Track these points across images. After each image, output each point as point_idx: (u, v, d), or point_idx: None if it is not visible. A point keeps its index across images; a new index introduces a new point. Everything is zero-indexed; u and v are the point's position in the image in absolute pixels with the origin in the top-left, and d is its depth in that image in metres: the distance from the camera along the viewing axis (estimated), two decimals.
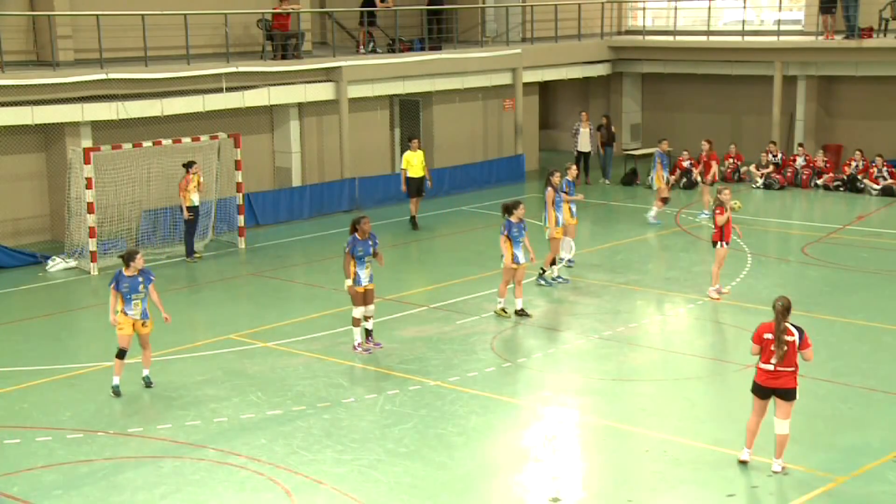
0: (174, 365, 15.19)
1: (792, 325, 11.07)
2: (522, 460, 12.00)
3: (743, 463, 11.44)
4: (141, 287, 13.80)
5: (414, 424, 12.92)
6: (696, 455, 11.98)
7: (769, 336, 11.06)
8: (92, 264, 20.66)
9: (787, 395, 11.08)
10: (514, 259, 16.79)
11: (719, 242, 17.80)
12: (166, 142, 21.70)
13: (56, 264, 21.01)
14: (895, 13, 28.88)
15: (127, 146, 21.18)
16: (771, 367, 11.04)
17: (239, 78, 24.03)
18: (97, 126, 22.53)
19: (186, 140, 22.01)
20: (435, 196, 27.22)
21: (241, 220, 23.03)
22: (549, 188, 18.89)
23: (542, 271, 19.01)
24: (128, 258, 13.85)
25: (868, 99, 30.55)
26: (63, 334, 17.15)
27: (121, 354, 13.85)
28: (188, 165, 21.39)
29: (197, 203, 21.52)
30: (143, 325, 13.87)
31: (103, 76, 21.68)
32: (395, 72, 27.35)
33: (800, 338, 11.04)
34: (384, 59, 27.37)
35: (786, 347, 10.94)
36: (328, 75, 26.06)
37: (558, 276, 19.21)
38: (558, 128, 36.39)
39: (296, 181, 26.78)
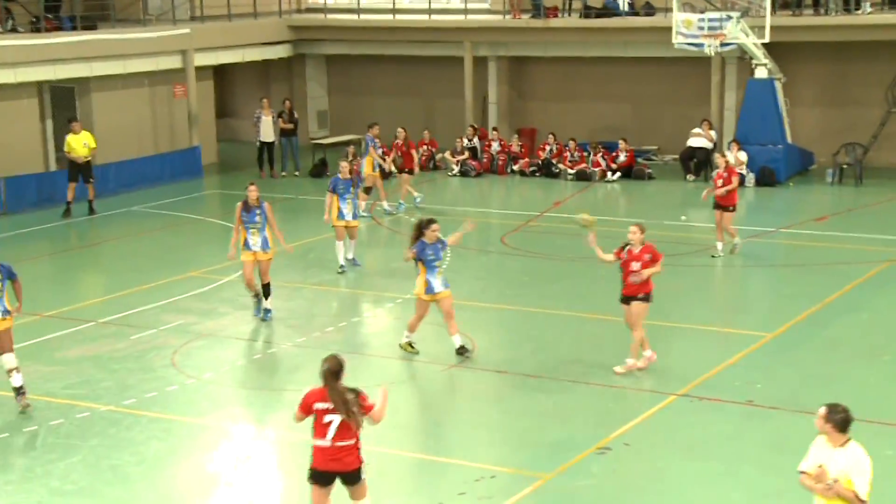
0: None
1: (349, 388, 9.70)
2: (212, 486, 11.78)
3: None
4: None
5: (83, 457, 12.37)
6: (402, 464, 12.22)
7: (322, 406, 9.56)
8: None
9: (353, 477, 9.66)
10: (428, 289, 15.07)
11: None
12: None
13: None
14: None
15: None
16: (328, 444, 9.51)
17: None
18: None
19: None
20: (101, 195, 26.17)
21: None
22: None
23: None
24: None
25: (558, 80, 32.36)
26: None
27: None
28: None
29: None
30: None
31: None
32: (43, 54, 26.11)
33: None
34: (28, 39, 26.04)
35: (354, 413, 9.51)
36: None
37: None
38: (238, 116, 36.00)
39: None
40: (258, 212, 16.68)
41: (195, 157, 30.41)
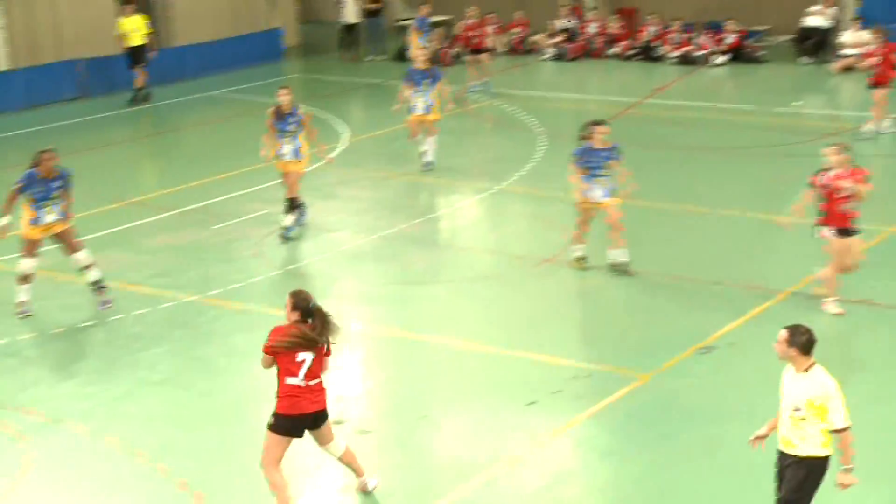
0: None
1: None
2: None
3: None
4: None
5: (170, 347, 12.68)
6: (493, 362, 12.31)
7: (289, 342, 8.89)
8: None
9: (322, 418, 9.16)
10: (589, 194, 14.27)
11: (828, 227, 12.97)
12: None
13: None
14: None
15: None
16: (302, 383, 8.91)
17: None
18: None
19: None
20: (178, 80, 26.40)
21: None
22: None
23: None
24: None
25: None
26: None
27: None
28: None
29: None
30: None
31: None
32: None
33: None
34: None
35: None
36: None
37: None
38: None
39: (3, 64, 25.33)
40: (291, 119, 15.95)
41: (276, 39, 30.40)
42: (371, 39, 30.39)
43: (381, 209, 17.72)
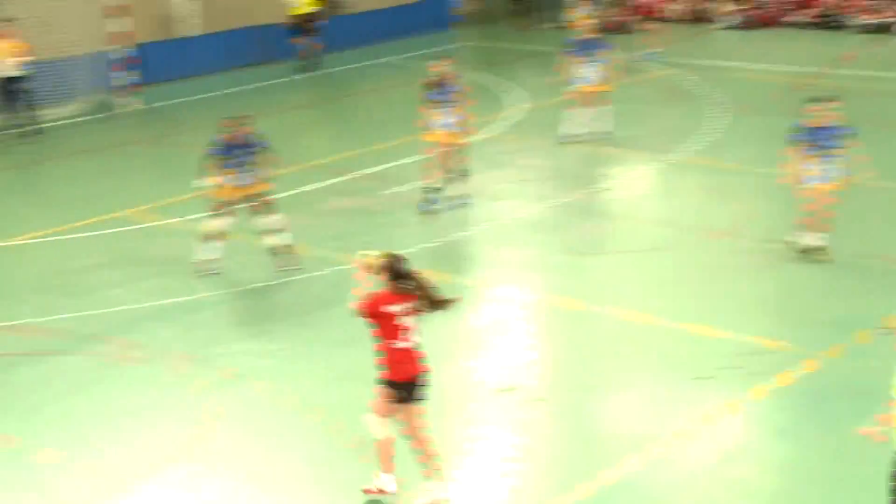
0: (61, 247, 14.97)
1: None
2: (472, 347, 12.11)
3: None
4: None
5: (347, 309, 12.88)
6: (662, 334, 12.19)
7: (398, 308, 8.72)
8: None
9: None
10: (811, 178, 13.65)
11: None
12: None
13: None
14: None
15: None
16: (410, 345, 8.82)
17: None
18: None
19: None
20: (354, 47, 26.80)
21: (129, 75, 22.47)
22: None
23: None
24: None
25: None
26: None
27: None
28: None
29: (7, 73, 20.09)
30: None
31: None
32: None
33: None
34: None
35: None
36: None
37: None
38: None
39: (195, 30, 26.11)
40: (450, 90, 15.78)
41: (448, 7, 30.53)
42: (544, 7, 30.24)
43: (552, 178, 17.69)
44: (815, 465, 9.54)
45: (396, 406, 8.94)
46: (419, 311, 8.81)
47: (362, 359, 11.59)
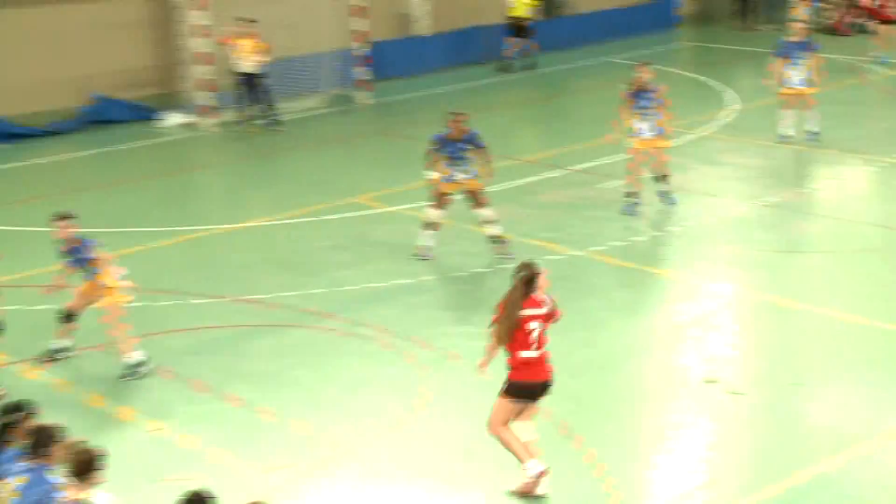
0: (297, 229, 15.55)
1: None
2: (674, 338, 12.00)
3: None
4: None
5: (556, 298, 12.95)
6: (872, 335, 11.77)
7: (529, 313, 8.83)
8: (209, 120, 21.13)
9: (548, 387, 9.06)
10: None
11: None
12: None
13: (170, 119, 21.57)
14: None
15: None
16: (534, 354, 8.85)
17: None
18: None
19: None
20: (572, 47, 26.76)
21: (364, 72, 23.06)
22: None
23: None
24: None
25: None
26: (182, 195, 17.67)
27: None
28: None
29: (248, 70, 20.65)
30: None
31: None
32: None
33: (551, 306, 9.07)
34: None
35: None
36: None
37: None
38: None
39: (425, 29, 26.59)
40: (651, 95, 15.37)
41: (670, 8, 30.11)
42: (767, 9, 29.46)
43: (765, 177, 17.28)
44: None
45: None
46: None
47: (565, 347, 11.69)
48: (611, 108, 21.81)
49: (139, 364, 11.19)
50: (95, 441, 7.51)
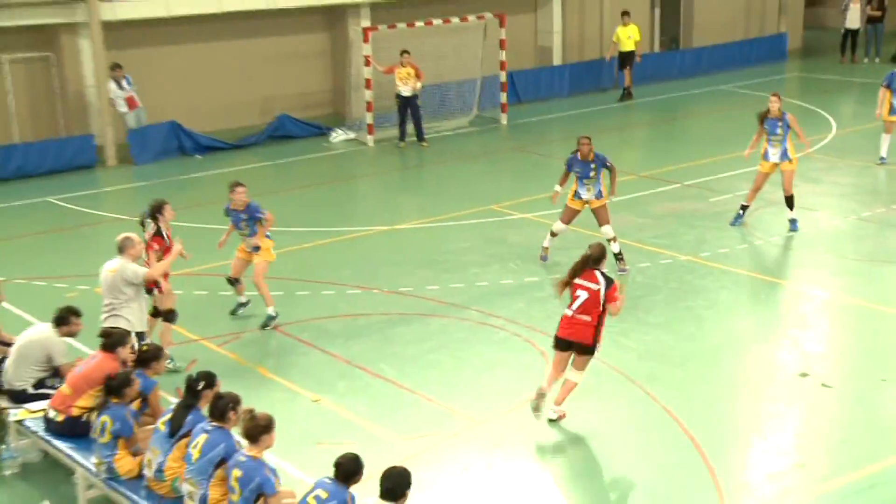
0: (441, 232, 15.69)
1: (602, 273, 9.52)
2: (771, 336, 11.70)
3: (541, 395, 9.59)
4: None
5: (664, 296, 12.83)
6: None
7: (579, 281, 9.53)
8: (369, 136, 21.50)
9: (584, 349, 9.53)
10: None
11: None
12: (437, 21, 21.94)
13: (338, 136, 22.02)
14: None
15: (401, 26, 21.61)
16: (570, 314, 9.51)
17: None
18: (376, 7, 23.21)
19: (455, 20, 22.16)
20: (693, 76, 26.32)
21: (503, 96, 23.13)
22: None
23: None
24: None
25: None
26: (343, 200, 18.03)
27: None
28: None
29: (406, 94, 20.78)
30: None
31: None
32: None
33: (606, 288, 9.43)
34: None
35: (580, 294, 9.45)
36: None
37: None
38: (826, 4, 33.96)
39: (556, 60, 26.52)
40: (780, 123, 14.67)
41: (782, 42, 29.33)
42: (870, 43, 28.41)
43: (861, 194, 16.70)
44: None
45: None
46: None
47: (671, 340, 11.55)
48: (721, 129, 21.57)
49: (273, 317, 12.09)
50: (266, 409, 7.74)
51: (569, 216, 13.83)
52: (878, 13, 27.86)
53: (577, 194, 13.64)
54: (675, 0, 28.72)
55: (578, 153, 13.50)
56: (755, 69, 27.70)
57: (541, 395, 9.56)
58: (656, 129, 22.99)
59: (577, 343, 9.52)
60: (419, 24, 21.82)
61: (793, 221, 15.04)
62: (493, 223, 16.00)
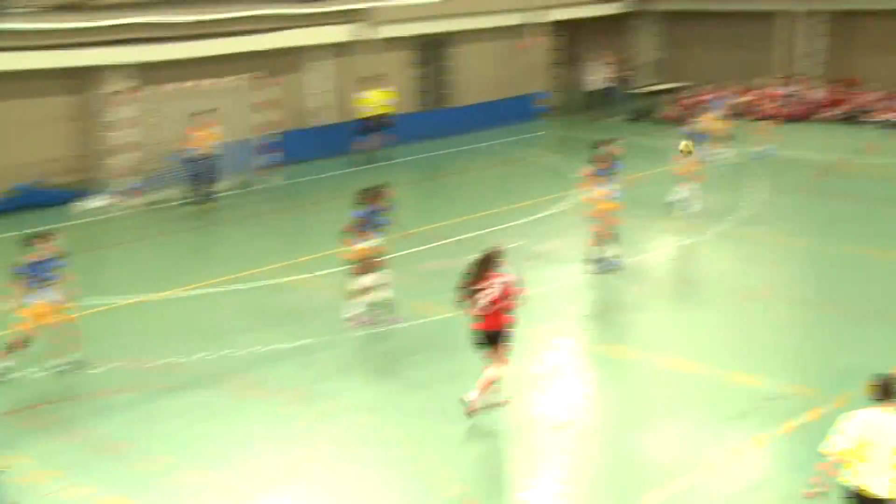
0: (206, 299, 15.19)
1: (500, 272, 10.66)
2: (529, 387, 11.91)
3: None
4: None
5: (427, 356, 12.84)
6: (699, 380, 11.89)
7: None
8: (130, 200, 20.77)
9: (494, 337, 10.72)
10: None
11: None
12: (206, 81, 21.73)
13: (91, 201, 21.05)
14: None
15: (167, 86, 21.17)
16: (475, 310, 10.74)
17: (267, 20, 23.87)
18: (129, 68, 22.41)
19: (227, 78, 21.98)
20: (454, 134, 27.03)
21: (268, 158, 22.90)
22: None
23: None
24: None
25: None
26: (94, 270, 17.09)
27: None
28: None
29: (198, 154, 20.96)
30: None
31: (133, 20, 21.56)
32: (420, 12, 27.04)
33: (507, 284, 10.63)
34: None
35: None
36: (350, 16, 25.81)
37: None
38: (578, 65, 35.66)
39: (325, 119, 26.49)
40: (614, 168, 15.55)
41: (529, 101, 30.57)
42: (612, 103, 30.24)
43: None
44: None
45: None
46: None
47: (446, 397, 11.54)
48: (484, 185, 22.08)
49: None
50: None
51: (368, 267, 13.65)
52: (620, 75, 30.04)
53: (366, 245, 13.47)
54: (437, 59, 29.27)
55: (365, 207, 13.45)
56: (513, 127, 28.68)
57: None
58: (419, 187, 23.31)
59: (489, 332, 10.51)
60: (187, 83, 21.49)
61: (609, 262, 15.68)
62: (259, 288, 15.61)
